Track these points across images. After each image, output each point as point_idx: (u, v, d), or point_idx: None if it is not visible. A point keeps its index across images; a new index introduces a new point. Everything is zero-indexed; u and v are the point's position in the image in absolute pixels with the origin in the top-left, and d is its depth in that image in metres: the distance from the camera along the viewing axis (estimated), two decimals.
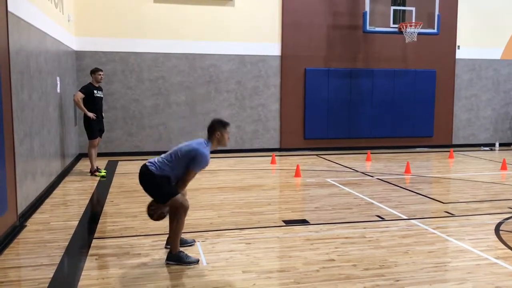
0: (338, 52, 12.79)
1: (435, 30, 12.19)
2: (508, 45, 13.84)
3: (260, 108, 12.53)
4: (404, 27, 11.86)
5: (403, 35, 11.99)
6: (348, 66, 12.88)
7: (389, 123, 13.20)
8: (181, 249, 4.49)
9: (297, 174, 9.02)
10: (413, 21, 12.01)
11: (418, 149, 13.18)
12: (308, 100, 12.71)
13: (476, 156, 12.21)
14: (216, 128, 4.49)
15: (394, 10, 12.21)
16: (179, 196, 4.37)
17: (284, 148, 12.49)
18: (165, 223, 5.77)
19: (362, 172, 9.60)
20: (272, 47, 12.45)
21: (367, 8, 11.94)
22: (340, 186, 8.13)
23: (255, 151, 12.37)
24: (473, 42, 13.59)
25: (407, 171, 9.47)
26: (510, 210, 6.47)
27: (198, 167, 4.38)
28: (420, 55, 13.17)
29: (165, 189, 4.36)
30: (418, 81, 13.27)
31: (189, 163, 4.36)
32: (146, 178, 4.39)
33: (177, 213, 4.40)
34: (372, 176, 9.15)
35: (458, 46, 13.45)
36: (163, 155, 4.52)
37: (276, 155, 11.34)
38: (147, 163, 4.43)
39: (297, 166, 9.29)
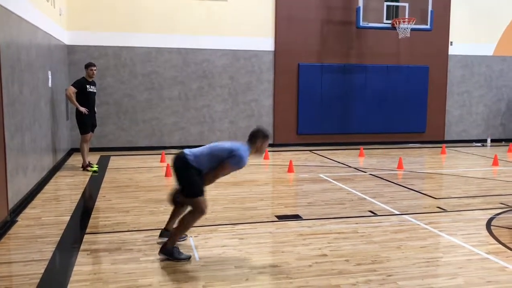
0: (331, 48, 12.78)
1: (428, 26, 12.21)
2: (500, 41, 13.89)
3: (253, 103, 12.51)
4: (397, 22, 11.87)
5: (396, 31, 11.99)
6: (342, 61, 12.87)
7: (382, 118, 13.22)
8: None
9: (290, 170, 9.02)
10: (406, 16, 12.02)
11: (410, 145, 13.23)
12: (302, 96, 12.70)
13: (468, 152, 12.26)
14: (259, 137, 4.55)
15: (388, 6, 12.21)
16: (203, 198, 4.39)
17: (277, 144, 12.48)
18: (157, 218, 5.77)
19: (355, 168, 9.62)
20: (265, 42, 12.41)
21: (361, 4, 11.93)
22: (333, 181, 8.14)
23: None
24: (466, 38, 13.63)
25: (400, 166, 9.50)
26: (501, 205, 6.51)
27: (235, 165, 4.41)
28: (413, 51, 13.19)
29: (195, 183, 4.37)
30: (411, 77, 13.30)
31: (227, 159, 4.39)
32: (181, 164, 4.40)
33: (194, 214, 4.41)
34: (365, 172, 9.17)
35: (451, 42, 13.48)
36: (200, 148, 4.56)
37: (269, 151, 11.34)
38: (185, 151, 4.47)
39: (290, 161, 9.29)
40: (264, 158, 10.54)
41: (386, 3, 12.14)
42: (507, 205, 6.52)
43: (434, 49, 13.40)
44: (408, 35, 11.92)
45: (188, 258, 4.36)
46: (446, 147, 12.40)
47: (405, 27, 11.75)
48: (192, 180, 4.36)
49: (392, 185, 7.91)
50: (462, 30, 13.54)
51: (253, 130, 4.62)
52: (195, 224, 4.56)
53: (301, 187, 7.89)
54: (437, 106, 13.64)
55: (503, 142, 13.88)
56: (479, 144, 13.49)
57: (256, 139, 4.53)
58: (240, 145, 4.51)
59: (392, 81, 13.19)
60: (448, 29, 13.42)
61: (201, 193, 4.38)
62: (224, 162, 4.40)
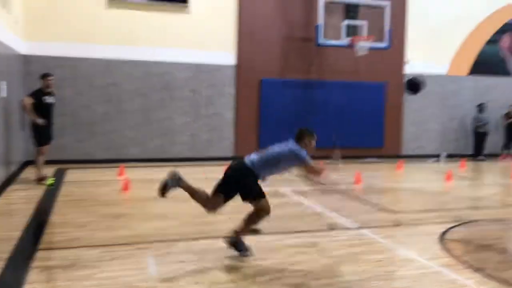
0: (292, 63, 12.98)
1: (385, 45, 12.58)
2: (453, 62, 14.49)
3: (215, 116, 12.51)
4: (356, 40, 12.19)
5: (355, 48, 12.31)
6: (303, 77, 13.09)
7: (341, 133, 13.47)
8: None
9: None
10: (365, 35, 12.36)
11: (369, 160, 13.51)
12: (263, 110, 12.81)
13: (423, 167, 12.65)
14: (306, 135, 5.03)
15: (347, 24, 12.52)
16: (267, 199, 4.77)
17: (239, 157, 12.48)
18: (114, 233, 5.64)
19: (315, 182, 9.71)
20: (227, 56, 12.48)
21: (321, 21, 12.19)
22: (292, 195, 8.21)
23: (210, 160, 12.30)
24: (421, 58, 14.12)
25: (358, 181, 9.68)
26: (454, 219, 6.73)
27: (306, 157, 4.88)
28: (371, 68, 13.56)
29: (257, 186, 4.78)
30: (369, 93, 13.65)
31: (295, 162, 4.91)
32: (243, 171, 4.82)
33: (260, 214, 4.76)
34: (324, 186, 9.29)
35: (407, 61, 13.94)
36: (258, 155, 4.98)
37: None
38: (244, 160, 4.93)
39: None
40: None
41: (345, 21, 12.41)
42: (460, 219, 6.75)
43: (391, 67, 13.83)
44: (366, 53, 12.25)
45: (248, 252, 4.82)
46: (402, 162, 12.74)
47: (363, 45, 12.07)
48: (255, 184, 4.79)
49: (350, 199, 8.05)
50: (417, 50, 14.03)
51: (299, 130, 5.10)
52: (152, 239, 4.50)
53: None
54: (394, 122, 14.04)
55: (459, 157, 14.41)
56: (434, 160, 13.93)
57: (303, 137, 5.00)
58: (293, 145, 4.96)
59: (351, 97, 13.50)
60: (404, 48, 13.89)
61: (264, 194, 4.77)
62: (304, 165, 4.91)
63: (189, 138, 12.27)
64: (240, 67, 12.57)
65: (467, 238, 6.06)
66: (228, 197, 4.92)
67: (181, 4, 11.93)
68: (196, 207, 5.12)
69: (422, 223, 6.51)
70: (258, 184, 4.82)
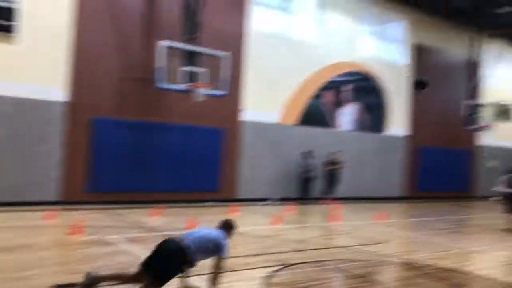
0: (130, 104, 12.69)
1: (223, 92, 13.03)
2: (285, 111, 15.67)
3: (40, 155, 11.48)
4: (195, 86, 12.41)
5: (194, 94, 12.52)
6: (141, 118, 12.85)
7: (179, 177, 13.43)
8: None
9: (76, 231, 8.36)
10: (204, 81, 12.66)
11: (206, 203, 13.63)
12: (96, 151, 12.18)
13: (256, 210, 13.17)
14: (234, 227, 5.39)
15: (186, 69, 12.71)
16: None
17: (65, 201, 11.57)
18: None
19: (149, 228, 9.43)
20: (58, 92, 11.69)
21: (161, 64, 12.20)
22: (121, 243, 7.80)
23: (29, 204, 11.10)
24: (256, 106, 15.00)
25: (191, 226, 9.61)
26: (280, 262, 7.04)
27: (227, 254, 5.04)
28: (210, 113, 13.93)
29: (172, 275, 4.75)
30: (207, 138, 13.96)
31: (221, 253, 5.00)
32: (176, 254, 4.74)
33: None
34: (159, 232, 9.03)
35: (243, 109, 14.67)
36: (192, 236, 4.95)
37: (54, 210, 10.40)
38: (184, 241, 4.84)
39: (78, 222, 8.64)
40: (47, 219, 9.57)
41: (185, 67, 12.56)
42: (285, 262, 7.08)
43: (228, 114, 14.40)
44: (205, 99, 12.54)
45: None
46: (237, 205, 13.12)
47: (201, 91, 12.34)
48: (174, 272, 4.75)
49: None
50: (253, 98, 14.88)
51: (228, 221, 5.33)
52: None
53: (87, 250, 7.34)
54: (230, 166, 14.50)
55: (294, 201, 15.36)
56: (267, 203, 14.62)
57: (233, 228, 5.34)
58: (221, 234, 5.14)
59: (189, 141, 13.64)
60: (240, 96, 14.61)
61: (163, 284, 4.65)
62: (220, 257, 4.99)
63: (7, 180, 11.01)
64: (72, 104, 11.86)
65: (289, 281, 6.36)
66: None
67: (6, 34, 10.91)
68: (7, 260, 4.54)
69: (246, 268, 6.67)
70: (174, 272, 4.78)
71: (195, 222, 9.79)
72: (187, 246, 4.79)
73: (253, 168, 15.03)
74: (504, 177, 11.99)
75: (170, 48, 11.97)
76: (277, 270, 6.61)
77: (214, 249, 4.96)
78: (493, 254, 9.24)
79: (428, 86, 9.64)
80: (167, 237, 5.03)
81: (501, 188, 12.00)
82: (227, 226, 5.33)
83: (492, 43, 21.35)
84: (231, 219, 5.44)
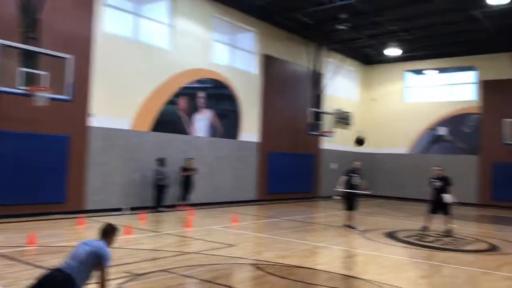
0: None
1: (67, 97, 12.20)
2: (136, 116, 15.23)
3: None
4: (34, 90, 11.42)
5: (33, 98, 11.52)
6: None
7: (18, 189, 12.23)
8: None
9: None
10: (44, 85, 11.72)
11: (51, 216, 12.60)
12: None
13: (107, 221, 12.54)
14: (115, 231, 5.05)
15: (25, 72, 11.65)
16: None
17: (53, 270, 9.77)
18: None
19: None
20: None
21: None
22: None
23: None
24: (107, 112, 14.36)
25: (31, 241, 8.83)
26: (126, 274, 6.78)
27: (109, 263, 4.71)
28: (54, 119, 12.95)
29: None
30: (51, 145, 12.95)
31: (104, 263, 4.66)
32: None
33: None
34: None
35: (91, 114, 13.92)
36: (72, 259, 4.58)
37: None
38: (63, 268, 4.47)
39: None
40: None
41: (22, 69, 11.51)
42: (132, 273, 6.85)
43: (75, 120, 13.53)
44: (46, 104, 11.62)
45: None
46: (86, 217, 12.38)
47: (42, 95, 11.41)
48: None
49: (18, 264, 7.22)
50: (102, 104, 14.21)
51: (108, 225, 5.01)
52: None
53: None
54: (77, 176, 13.63)
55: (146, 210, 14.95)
56: (118, 213, 14.02)
57: (113, 232, 4.99)
58: (100, 243, 4.80)
59: (31, 150, 12.51)
60: (88, 101, 13.84)
61: None
62: (103, 268, 4.65)
63: None
64: None
65: None
66: None
67: None
68: None
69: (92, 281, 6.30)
70: None
71: (35, 237, 9.01)
72: (68, 276, 4.42)
73: (103, 177, 14.33)
74: (344, 178, 13.14)
75: (5, 47, 10.87)
76: (123, 282, 6.36)
77: (94, 261, 4.64)
78: (334, 248, 10.07)
79: (364, 142, 11.02)
80: (49, 270, 4.59)
81: (341, 188, 13.12)
82: (105, 232, 4.99)
83: (332, 56, 23.43)
84: (109, 224, 5.09)
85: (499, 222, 16.98)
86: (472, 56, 23.39)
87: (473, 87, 23.96)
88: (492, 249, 10.66)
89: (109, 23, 14.67)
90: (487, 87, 23.17)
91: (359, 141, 11.04)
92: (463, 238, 11.92)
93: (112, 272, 6.78)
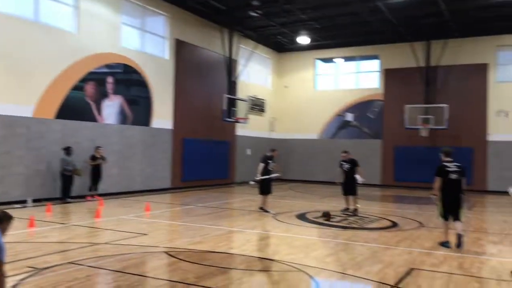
0: None
1: None
2: (39, 103, 14.31)
3: None
4: None
5: None
6: None
7: None
8: None
9: None
10: None
11: None
12: None
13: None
14: (6, 219, 4.41)
15: None
16: None
17: None
18: None
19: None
20: None
21: None
22: None
23: None
24: (6, 98, 13.36)
25: None
26: (28, 269, 6.42)
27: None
28: None
29: None
30: None
31: None
32: None
33: None
34: None
35: None
36: None
37: None
38: None
39: None
40: None
41: None
42: (35, 268, 6.50)
43: None
44: None
45: None
46: None
47: None
48: None
49: None
50: (1, 89, 13.20)
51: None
52: None
53: None
54: None
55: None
56: (20, 206, 13.17)
57: (6, 223, 4.40)
58: None
59: None
60: None
61: None
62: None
63: None
64: None
65: (39, 287, 5.85)
66: None
67: None
68: None
69: None
70: None
71: None
72: None
73: (3, 167, 13.36)
74: (262, 165, 13.33)
75: None
76: (25, 277, 6.02)
77: None
78: (247, 232, 10.24)
79: (330, 216, 11.54)
80: None
81: (260, 175, 13.30)
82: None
83: (245, 43, 23.57)
84: (1, 210, 4.49)
85: (400, 201, 18.29)
86: (376, 45, 24.71)
87: (377, 75, 25.34)
88: (393, 226, 11.43)
89: (6, 3, 13.60)
90: (389, 75, 24.63)
91: (326, 215, 12.07)
92: (367, 217, 12.67)
93: (12, 268, 6.42)
